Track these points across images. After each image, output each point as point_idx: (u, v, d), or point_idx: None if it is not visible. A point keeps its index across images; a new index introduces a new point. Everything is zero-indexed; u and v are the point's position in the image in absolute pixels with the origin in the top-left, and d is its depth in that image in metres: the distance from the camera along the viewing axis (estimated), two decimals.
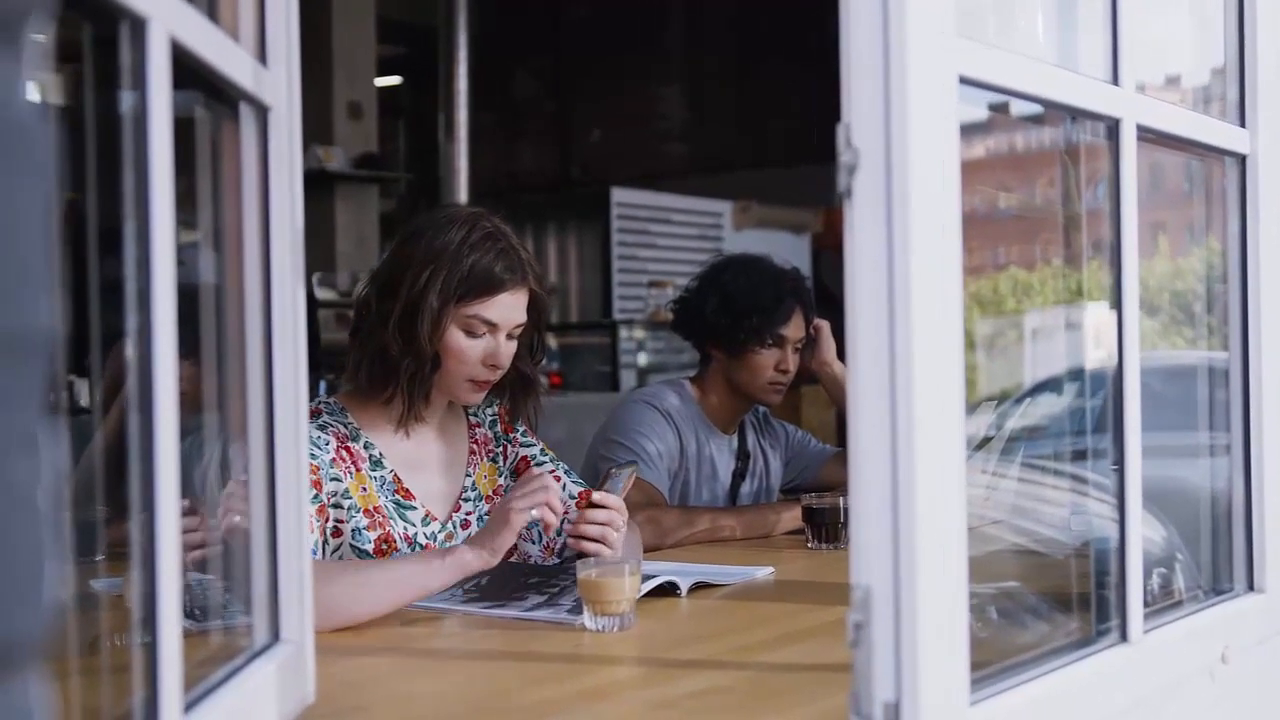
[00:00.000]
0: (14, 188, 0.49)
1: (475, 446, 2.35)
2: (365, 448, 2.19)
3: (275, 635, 1.35)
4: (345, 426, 2.19)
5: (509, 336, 2.21)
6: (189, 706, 1.07)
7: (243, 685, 1.22)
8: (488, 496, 2.33)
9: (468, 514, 2.29)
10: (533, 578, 2.11)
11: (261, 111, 1.33)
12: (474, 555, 1.95)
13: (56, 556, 0.54)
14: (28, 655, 0.52)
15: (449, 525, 2.25)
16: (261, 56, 1.33)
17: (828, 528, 2.61)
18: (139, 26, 0.98)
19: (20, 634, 0.51)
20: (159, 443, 1.00)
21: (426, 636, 1.86)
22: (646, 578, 2.01)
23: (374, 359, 2.18)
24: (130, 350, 0.99)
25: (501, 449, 2.38)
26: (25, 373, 0.51)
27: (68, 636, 1.09)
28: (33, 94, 0.51)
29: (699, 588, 2.14)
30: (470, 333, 2.17)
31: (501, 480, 2.35)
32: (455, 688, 1.63)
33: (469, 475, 2.32)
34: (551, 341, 7.62)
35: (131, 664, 1.05)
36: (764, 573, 2.32)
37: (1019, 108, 1.54)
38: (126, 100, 1.01)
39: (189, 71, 1.10)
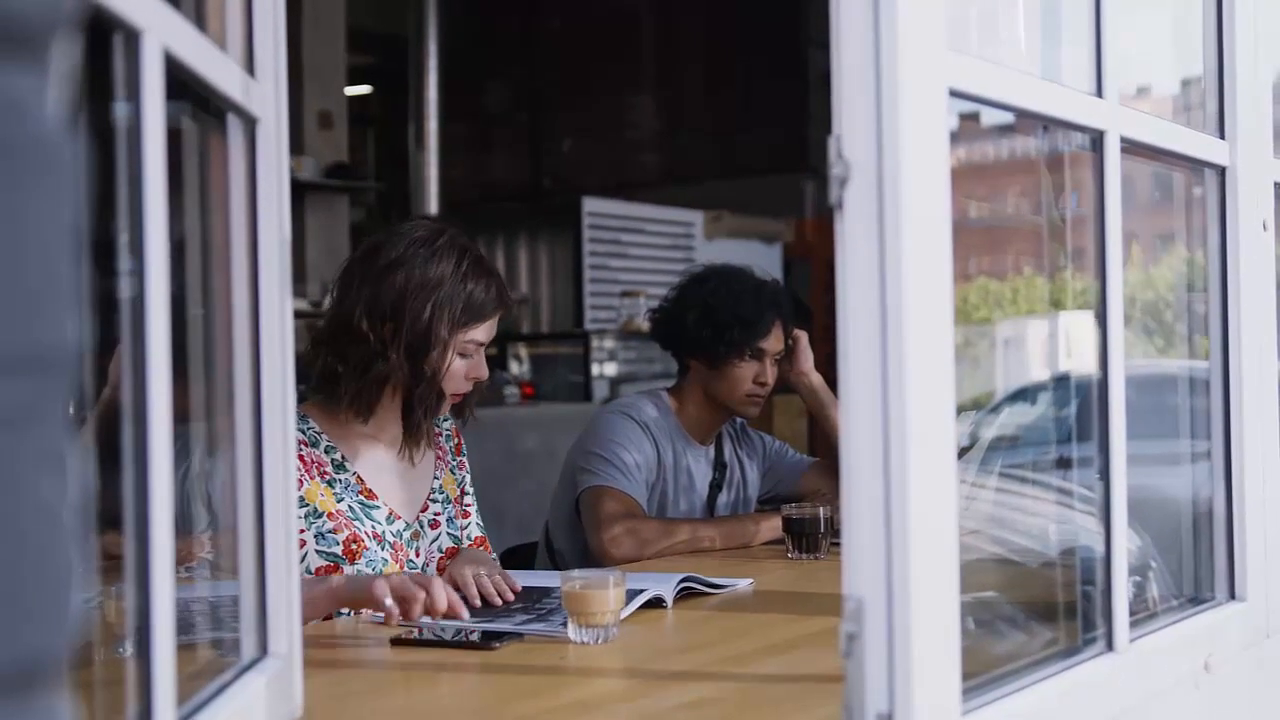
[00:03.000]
0: (43, 203, 0.49)
1: (440, 452, 2.43)
2: (326, 452, 2.25)
3: (263, 649, 1.34)
4: (304, 432, 2.21)
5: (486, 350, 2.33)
6: None
7: (233, 700, 1.21)
8: (454, 500, 2.42)
9: (436, 514, 2.37)
10: (516, 601, 2.11)
11: (250, 123, 1.32)
12: (341, 585, 2.03)
13: (81, 572, 0.54)
14: (56, 671, 0.52)
15: (415, 524, 2.32)
16: (249, 68, 1.33)
17: (808, 538, 2.62)
18: (133, 38, 0.98)
19: (50, 650, 0.51)
20: (152, 456, 0.99)
21: (413, 651, 1.85)
22: (633, 593, 2.00)
23: (374, 385, 2.22)
24: (125, 362, 0.99)
25: (457, 463, 2.48)
26: (52, 389, 0.51)
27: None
28: (57, 109, 0.51)
29: (685, 596, 2.15)
30: (464, 355, 2.26)
31: (458, 490, 2.45)
32: (442, 702, 1.62)
33: (437, 478, 2.40)
34: (523, 351, 7.61)
35: (117, 678, 1.04)
36: (744, 584, 2.32)
37: (990, 117, 1.55)
38: (119, 111, 1.00)
39: (178, 82, 1.10)
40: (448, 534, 2.37)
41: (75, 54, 0.57)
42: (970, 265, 1.84)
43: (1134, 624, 1.53)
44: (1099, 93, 1.50)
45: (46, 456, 0.51)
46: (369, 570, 2.19)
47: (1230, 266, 1.79)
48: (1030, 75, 1.46)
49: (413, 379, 2.21)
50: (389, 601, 1.87)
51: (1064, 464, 1.84)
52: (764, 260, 7.25)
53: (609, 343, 7.37)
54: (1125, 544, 1.51)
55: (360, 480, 2.26)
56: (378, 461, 2.30)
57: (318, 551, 2.16)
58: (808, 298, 7.51)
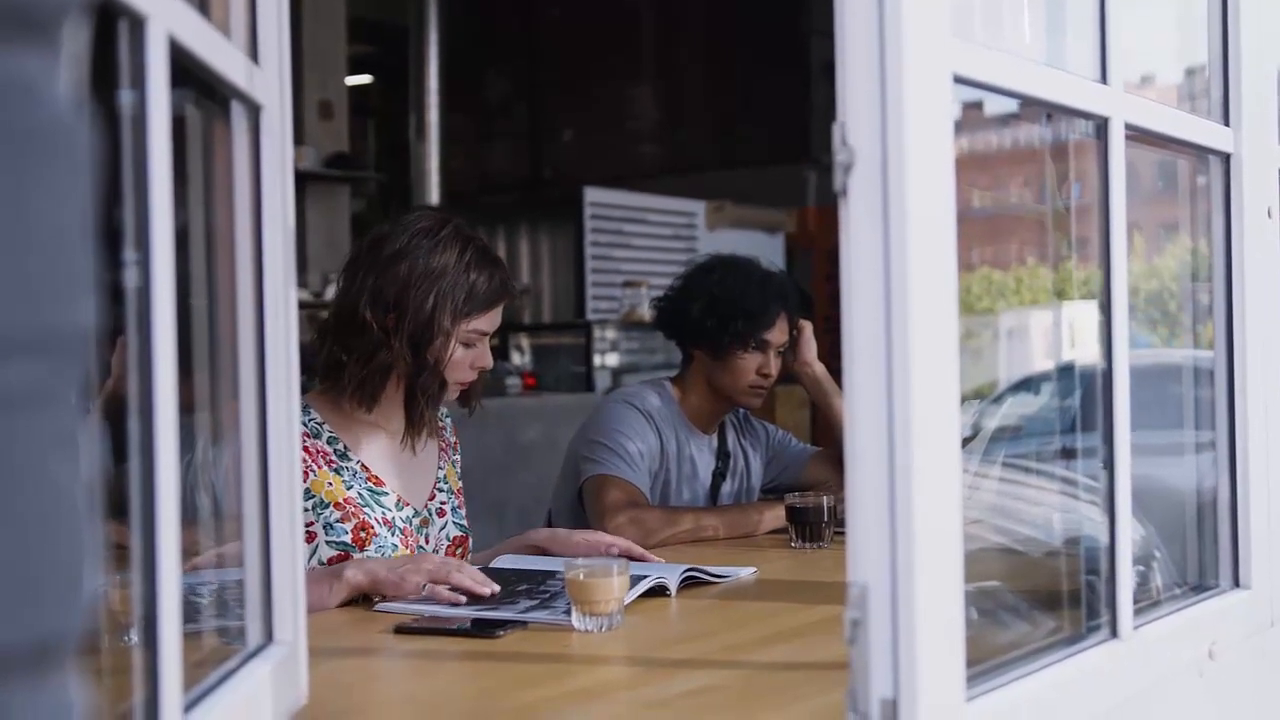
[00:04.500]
0: (56, 186, 0.49)
1: (443, 444, 2.45)
2: (329, 442, 2.26)
3: (269, 636, 1.34)
4: (305, 424, 2.22)
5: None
6: (188, 708, 1.07)
7: (239, 686, 1.21)
8: (456, 491, 2.44)
9: (441, 503, 2.39)
10: (521, 584, 2.11)
11: (254, 110, 1.32)
12: (354, 572, 2.04)
13: (93, 554, 0.54)
14: (69, 652, 0.52)
15: (424, 512, 2.34)
16: (253, 54, 1.32)
17: (811, 526, 2.62)
18: (138, 25, 0.98)
19: (63, 632, 0.51)
20: (159, 446, 0.99)
21: (417, 639, 1.86)
22: (636, 578, 2.00)
23: (378, 375, 2.24)
24: (130, 352, 0.98)
25: (455, 459, 2.50)
26: (66, 372, 0.51)
27: None
28: (68, 92, 0.51)
29: (688, 585, 2.15)
30: (468, 344, 2.27)
31: (458, 484, 2.46)
32: (446, 689, 1.63)
33: (440, 468, 2.41)
34: (524, 342, 7.61)
35: (123, 665, 1.04)
36: (747, 572, 2.32)
37: (992, 107, 1.55)
38: (124, 98, 1.00)
39: (182, 69, 1.09)
40: (453, 523, 2.38)
41: (84, 38, 0.57)
42: (973, 255, 1.84)
43: (1138, 612, 1.53)
44: (1103, 79, 1.49)
45: (60, 438, 0.51)
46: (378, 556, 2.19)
47: (1235, 254, 1.79)
48: (1034, 62, 1.45)
49: (415, 368, 2.23)
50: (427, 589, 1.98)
51: (1067, 454, 1.84)
52: (766, 250, 7.25)
53: (611, 333, 7.36)
54: (1130, 532, 1.51)
55: (365, 468, 2.27)
56: (381, 450, 2.31)
57: (328, 542, 2.17)
58: (809, 287, 7.51)
